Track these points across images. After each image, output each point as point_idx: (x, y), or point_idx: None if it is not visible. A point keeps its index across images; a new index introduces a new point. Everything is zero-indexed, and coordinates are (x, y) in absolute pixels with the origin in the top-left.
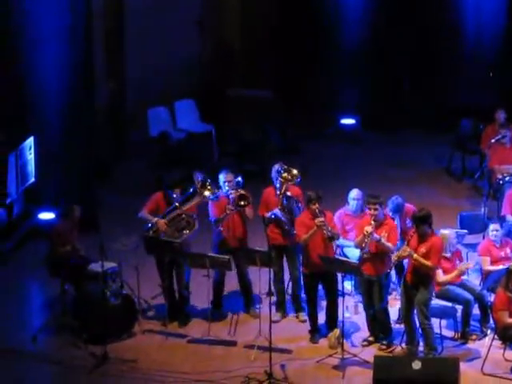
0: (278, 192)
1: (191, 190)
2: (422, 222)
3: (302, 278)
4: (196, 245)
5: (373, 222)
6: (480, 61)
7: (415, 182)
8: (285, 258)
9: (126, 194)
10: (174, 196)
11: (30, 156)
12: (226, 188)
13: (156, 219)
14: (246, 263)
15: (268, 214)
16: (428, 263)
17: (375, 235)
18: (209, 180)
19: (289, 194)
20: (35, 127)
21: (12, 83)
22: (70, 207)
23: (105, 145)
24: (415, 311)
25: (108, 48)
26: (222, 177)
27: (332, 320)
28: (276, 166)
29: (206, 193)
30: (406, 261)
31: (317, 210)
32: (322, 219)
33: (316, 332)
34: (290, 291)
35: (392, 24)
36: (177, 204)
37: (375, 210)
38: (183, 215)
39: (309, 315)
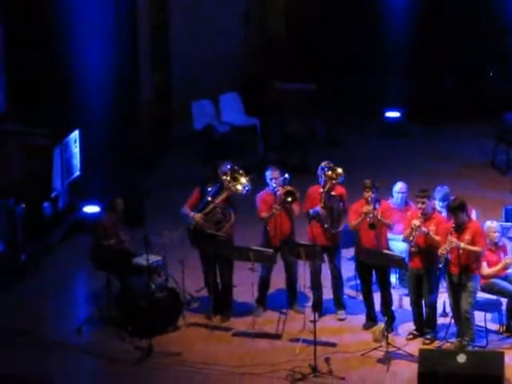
0: (322, 190)
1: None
2: (461, 209)
3: (342, 277)
4: (240, 237)
5: (420, 216)
6: None
7: (459, 175)
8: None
9: (171, 188)
10: (209, 190)
11: (76, 149)
12: (273, 185)
13: (193, 214)
14: (290, 255)
15: (310, 212)
16: (477, 248)
17: (423, 228)
18: (236, 168)
19: (333, 193)
20: (81, 121)
21: (57, 77)
22: (113, 200)
23: (150, 138)
24: (461, 301)
25: (153, 42)
26: (268, 174)
27: (386, 310)
28: (322, 164)
29: (241, 182)
30: None
31: (369, 198)
32: (369, 207)
33: (370, 320)
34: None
35: (439, 17)
36: (209, 198)
37: (423, 203)
38: (217, 208)
39: (364, 303)
